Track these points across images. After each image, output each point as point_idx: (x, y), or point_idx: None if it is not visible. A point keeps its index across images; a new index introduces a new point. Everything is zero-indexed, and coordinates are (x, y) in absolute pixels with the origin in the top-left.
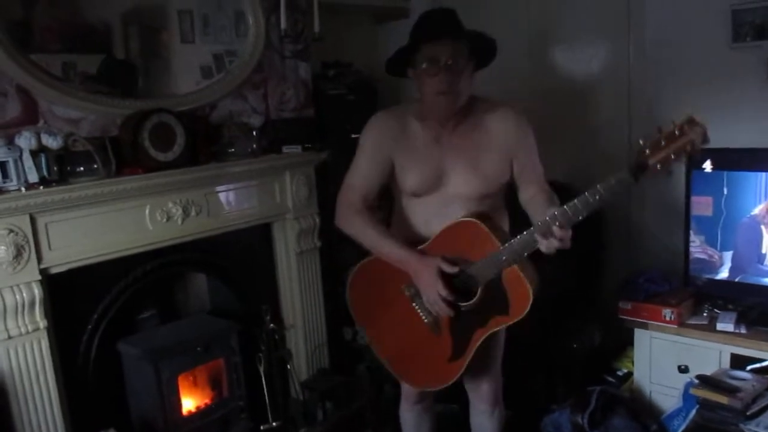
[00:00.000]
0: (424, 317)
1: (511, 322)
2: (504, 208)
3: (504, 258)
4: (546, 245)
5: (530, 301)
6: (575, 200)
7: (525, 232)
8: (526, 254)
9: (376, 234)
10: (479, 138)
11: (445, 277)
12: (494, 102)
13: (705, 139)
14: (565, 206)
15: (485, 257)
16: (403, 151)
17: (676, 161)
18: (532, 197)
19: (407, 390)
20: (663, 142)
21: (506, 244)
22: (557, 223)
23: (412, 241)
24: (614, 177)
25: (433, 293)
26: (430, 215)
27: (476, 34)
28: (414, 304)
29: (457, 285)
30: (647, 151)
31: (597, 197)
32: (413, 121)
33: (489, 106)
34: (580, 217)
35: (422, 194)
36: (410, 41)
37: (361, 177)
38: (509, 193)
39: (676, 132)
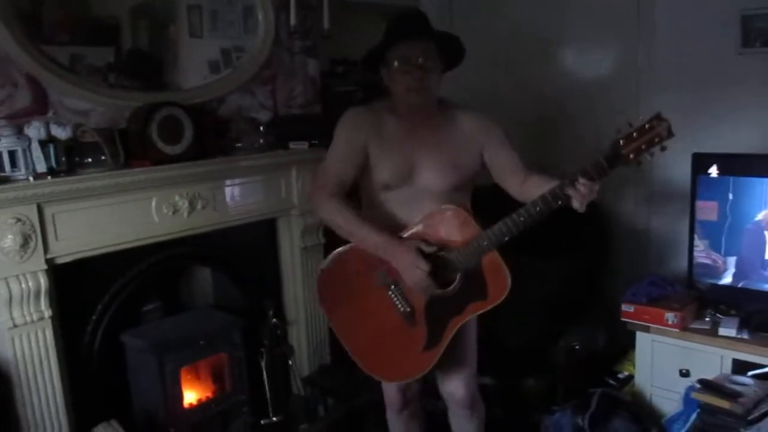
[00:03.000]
0: (400, 306)
1: (488, 308)
2: (469, 207)
3: (485, 243)
4: (579, 197)
5: (508, 287)
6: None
7: (505, 219)
8: (506, 239)
9: (354, 219)
10: (449, 134)
11: (424, 257)
12: (462, 105)
13: (669, 133)
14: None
15: (467, 243)
16: (377, 143)
17: (645, 152)
18: (525, 180)
19: (390, 398)
20: (635, 134)
21: (489, 230)
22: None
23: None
24: (592, 164)
25: (415, 271)
26: (402, 208)
27: (446, 35)
28: (390, 293)
29: (435, 272)
30: (621, 142)
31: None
32: (386, 115)
33: (456, 106)
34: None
35: (393, 187)
36: (383, 40)
37: (337, 163)
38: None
39: (646, 126)
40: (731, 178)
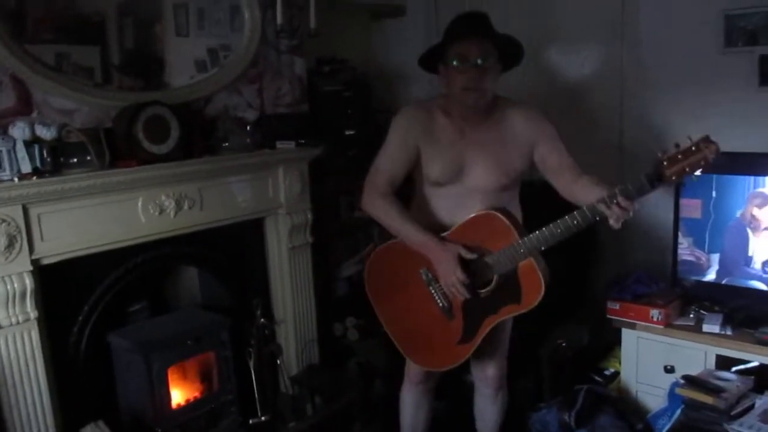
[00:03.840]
0: (438, 301)
1: (521, 311)
2: (518, 204)
3: (522, 250)
4: (615, 217)
5: (542, 293)
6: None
7: (543, 228)
8: (542, 248)
9: (400, 217)
10: (500, 134)
11: (463, 263)
12: (516, 101)
13: (718, 155)
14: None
15: (504, 248)
16: (429, 141)
17: (689, 174)
18: (575, 181)
19: (412, 370)
20: (680, 156)
21: (525, 238)
22: (618, 198)
23: (431, 228)
24: (633, 183)
25: (451, 277)
26: (450, 205)
27: (505, 37)
28: (430, 288)
29: (473, 273)
30: (665, 163)
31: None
32: (440, 114)
33: (511, 104)
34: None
35: (444, 184)
36: (443, 38)
37: (389, 162)
38: (523, 190)
39: (693, 148)
40: (714, 176)
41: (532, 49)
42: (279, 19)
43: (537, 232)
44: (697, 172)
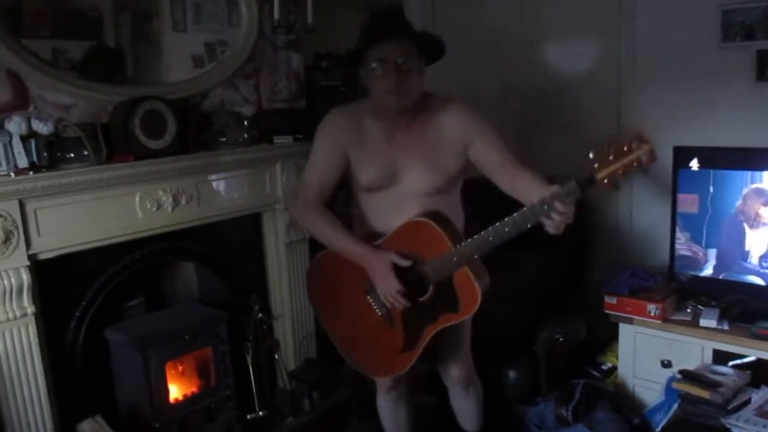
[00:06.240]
0: (378, 311)
1: (459, 320)
2: (460, 207)
3: (455, 260)
4: (552, 224)
5: (478, 303)
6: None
7: (475, 237)
8: (476, 256)
9: (331, 230)
10: (431, 134)
11: (398, 271)
12: (445, 98)
13: (651, 157)
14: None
15: (437, 257)
16: (358, 147)
17: (623, 177)
18: (515, 177)
19: (379, 378)
20: (611, 157)
21: (457, 246)
22: (555, 202)
23: (371, 234)
24: (564, 187)
25: (386, 285)
26: (386, 211)
27: (425, 34)
28: (368, 298)
29: (411, 281)
30: (596, 166)
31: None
32: (367, 118)
33: (440, 103)
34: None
35: (377, 190)
36: (359, 43)
37: (317, 173)
38: (465, 192)
39: (624, 148)
40: (712, 171)
41: (530, 44)
42: (276, 15)
43: (469, 240)
44: (631, 176)
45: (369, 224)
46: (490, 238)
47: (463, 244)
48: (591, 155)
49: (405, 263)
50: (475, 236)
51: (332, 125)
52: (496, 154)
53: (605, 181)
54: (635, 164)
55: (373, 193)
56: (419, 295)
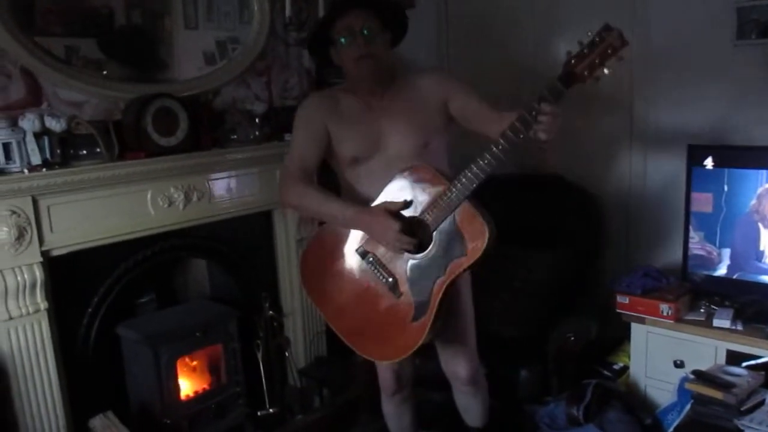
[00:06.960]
0: (381, 278)
1: (469, 263)
2: (448, 169)
3: (455, 193)
4: (543, 128)
5: (486, 237)
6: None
7: (470, 165)
8: (475, 185)
9: (320, 196)
10: (410, 96)
11: (397, 218)
12: (420, 69)
13: (622, 41)
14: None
15: (434, 203)
16: (337, 122)
17: (601, 66)
18: (499, 120)
19: (384, 381)
20: (586, 50)
21: (453, 181)
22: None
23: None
24: (547, 86)
25: (386, 231)
26: (376, 180)
27: (385, 2)
28: (369, 266)
29: (412, 235)
30: (573, 61)
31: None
32: (344, 95)
33: (414, 72)
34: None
35: (362, 159)
36: (324, 17)
37: (297, 150)
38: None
39: (596, 39)
40: (726, 170)
41: (543, 40)
42: (287, 12)
43: (465, 170)
44: (609, 67)
45: (360, 198)
46: (486, 161)
47: (459, 175)
48: (568, 53)
49: (398, 204)
50: (471, 164)
51: (308, 106)
52: (475, 101)
53: (585, 72)
54: (609, 51)
55: (359, 165)
56: (423, 250)
